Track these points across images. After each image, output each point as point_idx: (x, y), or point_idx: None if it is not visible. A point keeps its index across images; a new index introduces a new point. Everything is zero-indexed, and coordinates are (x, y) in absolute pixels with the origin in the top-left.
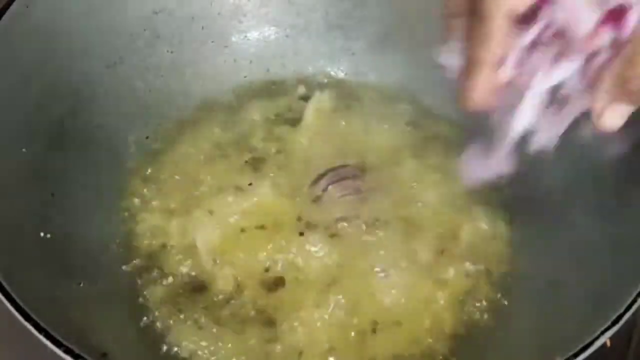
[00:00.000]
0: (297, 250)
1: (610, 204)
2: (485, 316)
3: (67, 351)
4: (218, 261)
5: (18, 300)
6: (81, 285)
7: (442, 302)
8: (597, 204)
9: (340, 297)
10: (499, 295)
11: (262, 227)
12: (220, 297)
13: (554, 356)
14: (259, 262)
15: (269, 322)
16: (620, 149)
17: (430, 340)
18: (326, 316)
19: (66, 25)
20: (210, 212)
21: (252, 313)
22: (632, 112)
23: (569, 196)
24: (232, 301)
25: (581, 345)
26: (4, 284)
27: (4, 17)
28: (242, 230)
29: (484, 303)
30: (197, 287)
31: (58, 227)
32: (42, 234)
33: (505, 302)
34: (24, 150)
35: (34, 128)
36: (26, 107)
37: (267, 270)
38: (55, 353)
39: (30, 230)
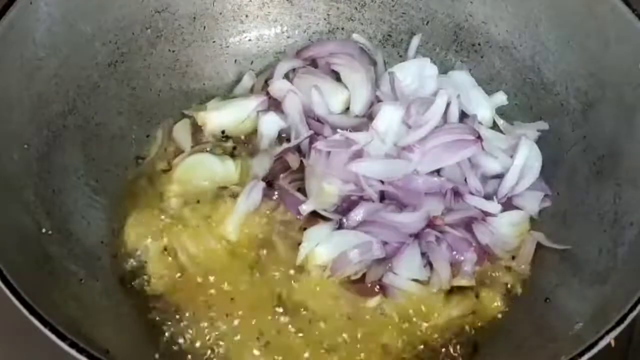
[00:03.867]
0: None
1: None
2: None
3: (72, 345)
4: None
5: (23, 294)
6: (82, 282)
7: None
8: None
9: None
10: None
11: None
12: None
13: (559, 355)
14: None
15: None
16: None
17: None
18: None
19: (68, 23)
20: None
21: None
22: None
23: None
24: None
25: (586, 345)
26: (9, 278)
27: (7, 16)
28: None
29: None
30: None
31: (59, 223)
32: (43, 230)
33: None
34: (25, 146)
35: (36, 125)
36: (28, 104)
37: None
38: (55, 353)
39: (32, 226)
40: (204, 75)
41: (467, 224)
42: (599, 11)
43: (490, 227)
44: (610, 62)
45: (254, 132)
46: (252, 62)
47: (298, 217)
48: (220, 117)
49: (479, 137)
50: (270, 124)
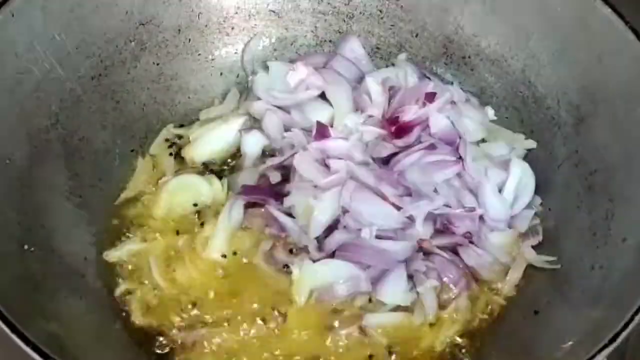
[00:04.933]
0: None
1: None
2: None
3: None
4: None
5: (5, 312)
6: (66, 299)
7: None
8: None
9: None
10: None
11: None
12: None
13: None
14: None
15: None
16: None
17: None
18: None
19: (51, 36)
20: None
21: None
22: None
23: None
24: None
25: None
26: None
27: None
28: None
29: None
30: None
31: (41, 240)
32: (25, 247)
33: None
34: (7, 161)
35: (18, 139)
36: (10, 118)
37: None
38: None
39: (13, 243)
40: (189, 89)
41: (454, 248)
42: (591, 24)
43: (477, 250)
44: (602, 75)
45: (239, 150)
46: (237, 75)
47: (284, 237)
48: (204, 148)
49: (460, 158)
50: (253, 143)
